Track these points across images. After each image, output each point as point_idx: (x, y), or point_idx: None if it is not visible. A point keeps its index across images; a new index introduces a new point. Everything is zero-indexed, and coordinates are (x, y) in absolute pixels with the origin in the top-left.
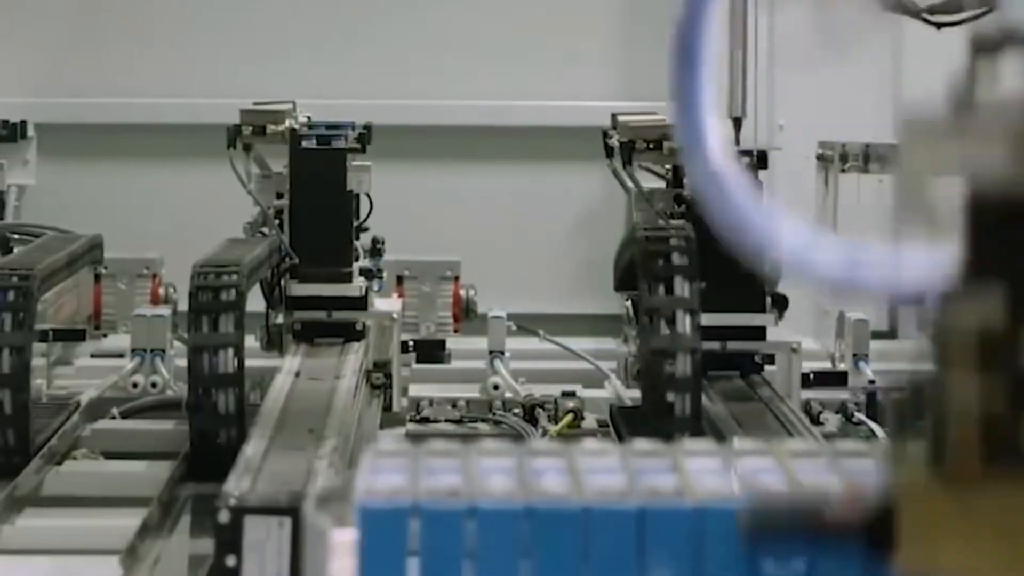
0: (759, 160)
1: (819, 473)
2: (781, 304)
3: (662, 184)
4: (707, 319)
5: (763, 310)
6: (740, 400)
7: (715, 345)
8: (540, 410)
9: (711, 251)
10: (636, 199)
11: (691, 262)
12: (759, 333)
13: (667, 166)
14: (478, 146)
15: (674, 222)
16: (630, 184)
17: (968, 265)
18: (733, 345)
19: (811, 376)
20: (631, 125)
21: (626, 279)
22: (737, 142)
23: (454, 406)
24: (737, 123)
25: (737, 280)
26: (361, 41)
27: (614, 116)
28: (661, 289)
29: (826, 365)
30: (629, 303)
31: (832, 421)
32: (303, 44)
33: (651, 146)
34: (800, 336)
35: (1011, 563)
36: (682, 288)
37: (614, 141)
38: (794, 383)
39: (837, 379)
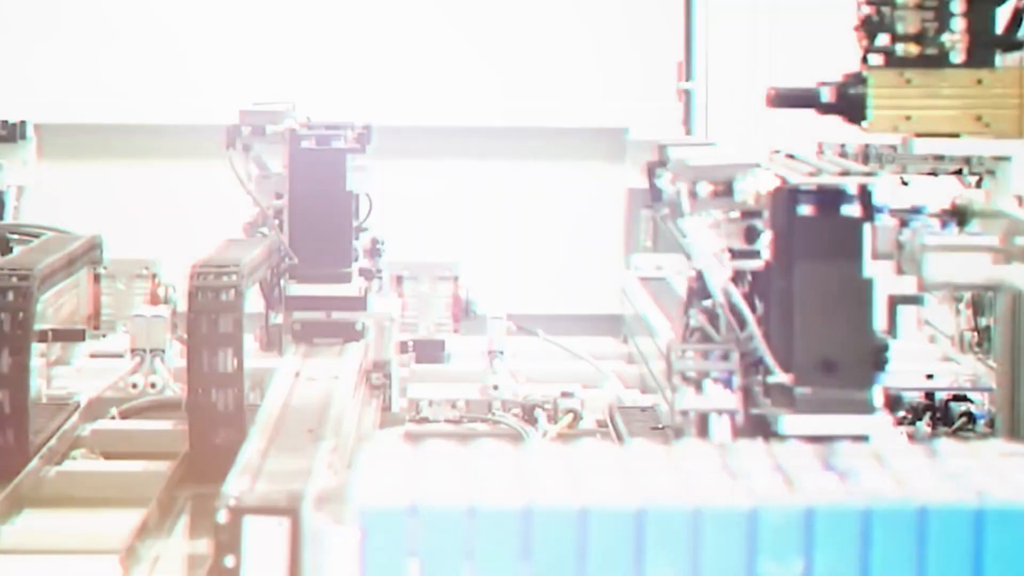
0: (864, 204)
1: (816, 473)
2: (894, 404)
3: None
4: (790, 423)
5: (869, 411)
6: None
7: None
8: (539, 410)
9: (800, 334)
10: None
11: None
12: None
13: (733, 214)
14: (478, 146)
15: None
16: (688, 247)
17: None
18: None
19: None
20: (691, 164)
21: None
22: None
23: (453, 406)
24: None
25: (831, 368)
26: (361, 41)
27: (662, 148)
28: None
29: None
30: None
31: None
32: (303, 44)
33: (717, 191)
34: None
35: None
36: None
37: (666, 183)
38: None
39: None
